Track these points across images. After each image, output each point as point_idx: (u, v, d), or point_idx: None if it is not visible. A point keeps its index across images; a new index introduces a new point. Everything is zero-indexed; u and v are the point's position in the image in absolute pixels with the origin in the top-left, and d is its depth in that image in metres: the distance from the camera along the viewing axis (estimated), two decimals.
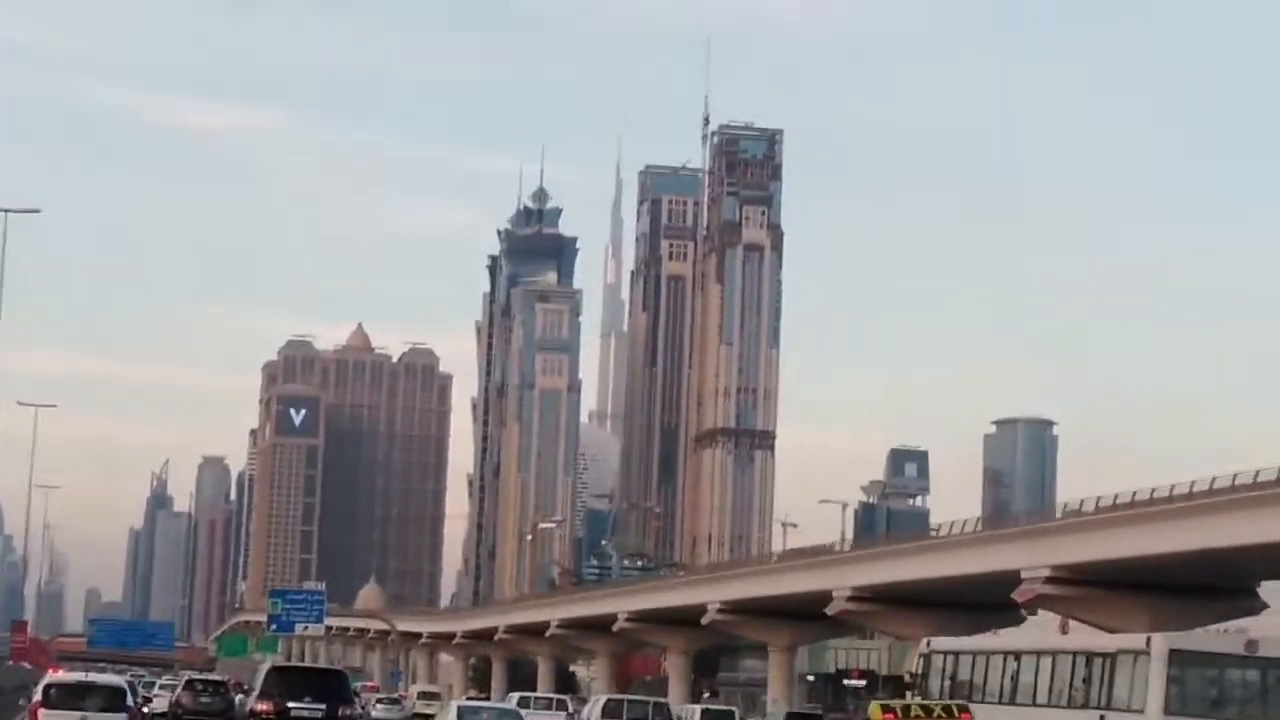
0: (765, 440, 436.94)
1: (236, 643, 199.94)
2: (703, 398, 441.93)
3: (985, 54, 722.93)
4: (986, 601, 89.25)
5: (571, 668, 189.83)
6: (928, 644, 57.72)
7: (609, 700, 74.95)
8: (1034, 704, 49.07)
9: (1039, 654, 51.12)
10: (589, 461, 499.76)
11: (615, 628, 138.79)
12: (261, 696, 48.54)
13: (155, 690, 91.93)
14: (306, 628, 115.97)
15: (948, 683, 54.10)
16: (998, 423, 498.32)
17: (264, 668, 53.74)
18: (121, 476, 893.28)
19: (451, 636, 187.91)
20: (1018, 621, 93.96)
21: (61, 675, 46.54)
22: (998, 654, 53.81)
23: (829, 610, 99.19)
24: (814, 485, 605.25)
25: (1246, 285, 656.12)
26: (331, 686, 49.02)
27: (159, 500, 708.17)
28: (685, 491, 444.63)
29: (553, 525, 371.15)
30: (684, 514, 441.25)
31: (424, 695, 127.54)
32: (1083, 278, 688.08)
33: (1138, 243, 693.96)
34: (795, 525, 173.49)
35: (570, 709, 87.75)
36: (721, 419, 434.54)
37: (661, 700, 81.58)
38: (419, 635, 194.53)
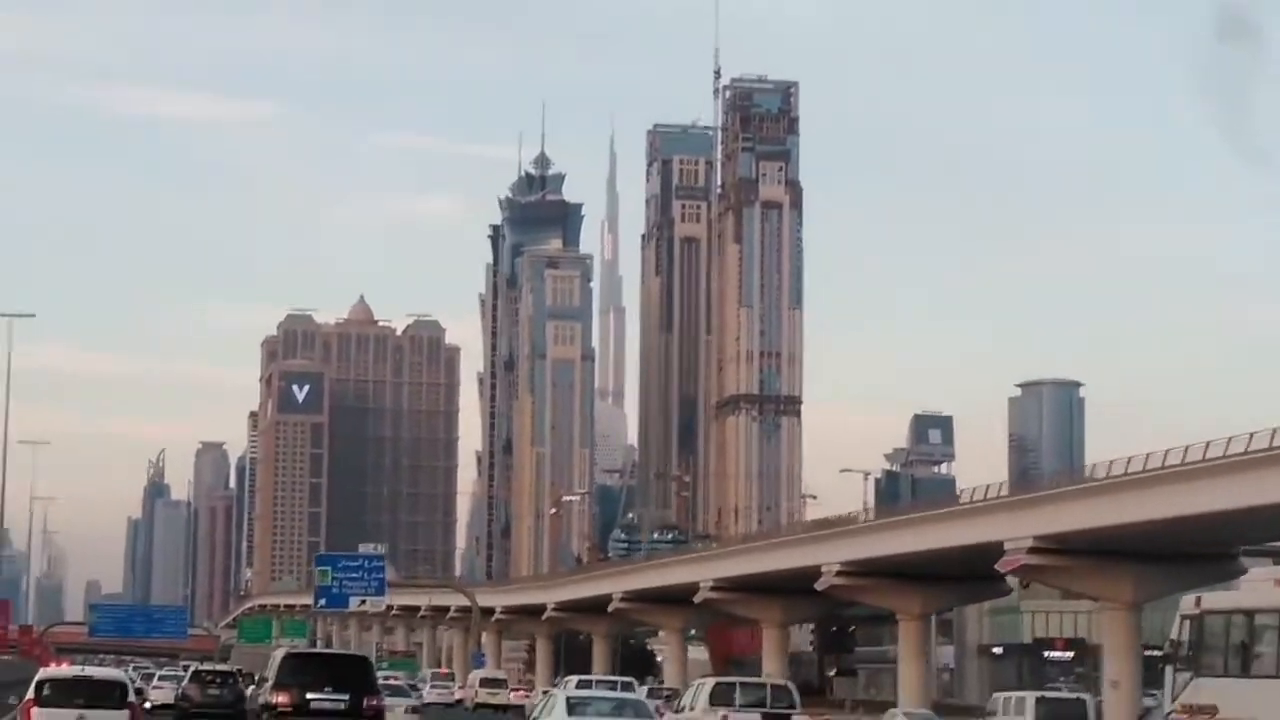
0: (791, 406, 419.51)
1: (259, 627, 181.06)
2: (723, 363, 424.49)
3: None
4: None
5: (651, 645, 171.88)
6: (1197, 603, 40.77)
7: (718, 684, 62.15)
8: None
9: None
10: (598, 437, 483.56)
11: (698, 598, 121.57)
12: (277, 687, 44.12)
13: (155, 682, 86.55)
14: (364, 601, 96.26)
15: (1233, 656, 38.74)
16: (1023, 385, 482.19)
17: (278, 655, 47.63)
18: (118, 468, 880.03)
19: (491, 611, 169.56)
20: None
21: (56, 670, 42.84)
22: None
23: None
24: (839, 451, 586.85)
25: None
26: (354, 675, 44.43)
27: (156, 489, 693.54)
28: (709, 461, 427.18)
29: (576, 499, 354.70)
30: (709, 484, 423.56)
31: (488, 683, 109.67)
32: (1110, 239, 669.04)
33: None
34: (814, 497, 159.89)
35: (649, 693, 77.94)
36: (744, 385, 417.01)
37: (782, 682, 68.59)
38: (446, 610, 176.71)
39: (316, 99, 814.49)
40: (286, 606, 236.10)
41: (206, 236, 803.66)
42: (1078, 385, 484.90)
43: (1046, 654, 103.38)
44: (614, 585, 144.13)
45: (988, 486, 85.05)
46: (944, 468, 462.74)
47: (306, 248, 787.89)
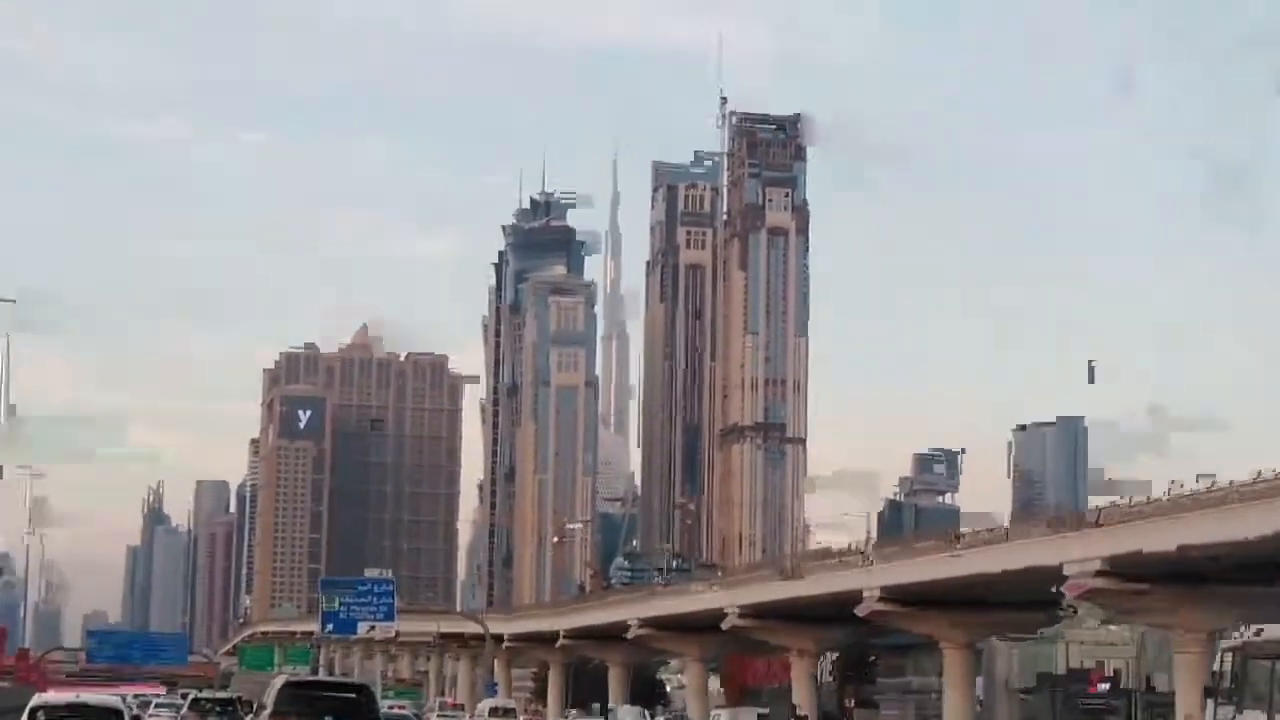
0: (795, 435, 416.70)
1: (260, 654, 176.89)
2: (728, 391, 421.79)
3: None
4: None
5: (662, 675, 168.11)
6: (1242, 635, 36.71)
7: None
8: None
9: None
10: (599, 465, 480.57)
11: (725, 625, 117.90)
12: (275, 715, 42.72)
13: (151, 710, 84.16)
14: (373, 628, 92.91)
15: (1278, 692, 34.10)
16: (1026, 424, 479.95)
17: (277, 683, 46.06)
18: (117, 496, 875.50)
19: (499, 639, 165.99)
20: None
21: (50, 695, 42.55)
22: None
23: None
24: (844, 480, 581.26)
25: None
26: (355, 704, 43.01)
27: (156, 517, 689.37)
28: (713, 490, 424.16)
29: (579, 526, 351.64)
30: (713, 513, 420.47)
31: (497, 713, 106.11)
32: (1121, 269, 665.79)
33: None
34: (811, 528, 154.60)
35: None
36: (749, 414, 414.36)
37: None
38: (455, 637, 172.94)
39: (314, 127, 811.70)
40: (288, 633, 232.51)
41: (208, 268, 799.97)
42: (1080, 419, 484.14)
43: (1082, 691, 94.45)
44: (631, 612, 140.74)
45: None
46: (948, 498, 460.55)
47: (308, 278, 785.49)
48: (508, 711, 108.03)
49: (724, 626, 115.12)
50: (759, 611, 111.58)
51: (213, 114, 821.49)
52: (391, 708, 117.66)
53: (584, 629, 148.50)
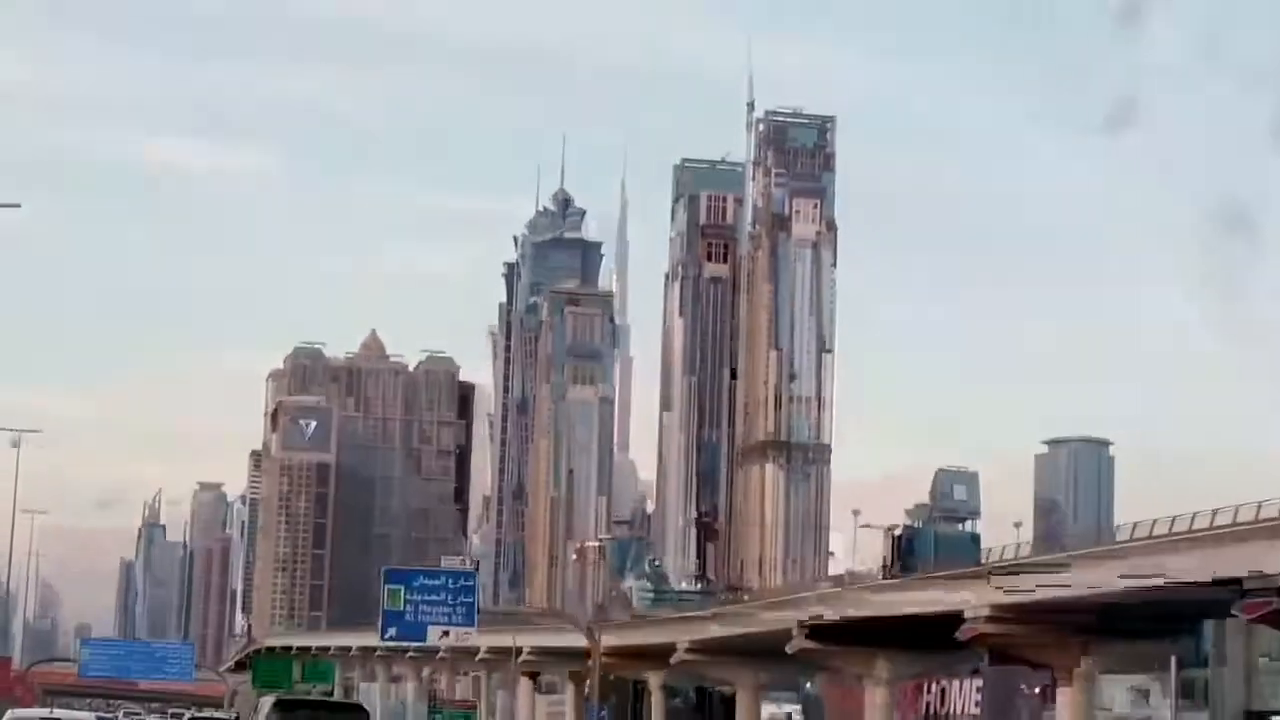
0: (820, 454, 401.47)
1: (276, 669, 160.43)
2: (750, 408, 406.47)
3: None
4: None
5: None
6: None
7: None
8: None
9: None
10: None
11: (791, 648, 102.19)
12: None
13: None
14: (447, 633, 74.48)
15: None
16: (1049, 442, 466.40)
17: (266, 702, 43.72)
18: (111, 512, 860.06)
19: (518, 652, 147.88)
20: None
21: (24, 711, 42.71)
22: None
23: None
24: (866, 502, 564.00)
25: None
26: None
27: (151, 531, 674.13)
28: (733, 510, 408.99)
29: (596, 544, 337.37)
30: (733, 535, 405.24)
31: None
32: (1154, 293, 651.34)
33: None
34: (833, 553, 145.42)
35: None
36: (771, 431, 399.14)
37: None
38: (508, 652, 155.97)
39: (318, 140, 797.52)
40: (300, 649, 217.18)
41: (206, 282, 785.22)
42: (1107, 444, 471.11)
43: None
44: (677, 634, 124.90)
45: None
46: (968, 525, 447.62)
47: (313, 290, 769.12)
48: None
49: (789, 649, 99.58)
50: (834, 631, 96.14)
51: (214, 129, 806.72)
52: None
53: (621, 648, 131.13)
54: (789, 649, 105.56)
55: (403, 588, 74.45)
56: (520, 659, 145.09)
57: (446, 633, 73.06)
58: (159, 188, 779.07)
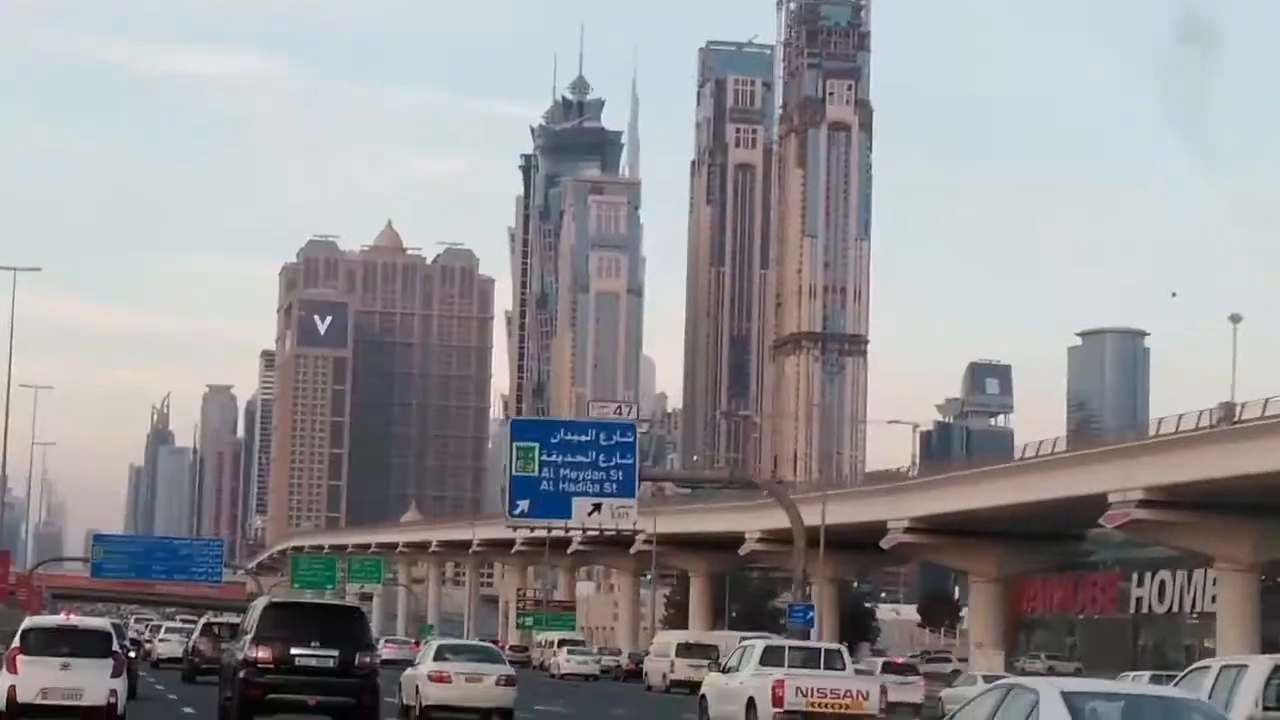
0: (856, 345, 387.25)
1: (317, 569, 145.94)
2: (783, 298, 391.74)
3: None
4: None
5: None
6: None
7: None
8: None
9: None
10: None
11: (885, 542, 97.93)
12: (257, 640, 36.81)
13: (162, 634, 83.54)
14: (599, 507, 55.77)
15: None
16: (1084, 334, 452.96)
17: (259, 604, 38.87)
18: (120, 415, 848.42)
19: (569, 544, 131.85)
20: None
21: (41, 619, 41.27)
22: None
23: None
24: (894, 397, 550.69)
25: None
26: (346, 628, 37.10)
27: (160, 436, 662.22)
28: (763, 404, 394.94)
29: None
30: (764, 430, 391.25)
31: (688, 650, 78.13)
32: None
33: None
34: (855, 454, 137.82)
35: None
36: (806, 322, 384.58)
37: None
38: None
39: (332, 39, 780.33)
40: (333, 547, 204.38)
41: (218, 186, 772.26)
42: (1143, 335, 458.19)
43: None
44: (747, 522, 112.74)
45: None
46: (1001, 419, 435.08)
47: (328, 188, 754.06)
48: (706, 649, 76.27)
49: (884, 544, 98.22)
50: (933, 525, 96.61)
51: (225, 35, 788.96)
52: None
53: (672, 535, 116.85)
54: (883, 544, 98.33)
55: (537, 445, 58.85)
56: (569, 550, 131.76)
57: (598, 506, 57.31)
58: (162, 92, 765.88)
